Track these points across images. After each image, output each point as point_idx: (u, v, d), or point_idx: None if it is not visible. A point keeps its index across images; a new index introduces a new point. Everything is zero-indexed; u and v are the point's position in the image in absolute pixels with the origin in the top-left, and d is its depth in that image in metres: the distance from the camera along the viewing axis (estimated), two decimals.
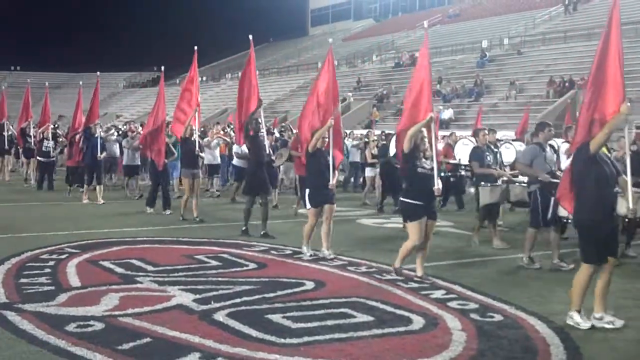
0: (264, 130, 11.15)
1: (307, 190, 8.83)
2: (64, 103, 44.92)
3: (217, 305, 6.18)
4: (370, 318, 5.86)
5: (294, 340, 5.21)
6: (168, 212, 13.01)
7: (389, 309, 6.20)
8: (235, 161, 15.59)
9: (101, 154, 14.58)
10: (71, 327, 5.44)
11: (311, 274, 7.68)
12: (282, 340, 5.21)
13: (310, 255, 8.64)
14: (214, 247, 9.40)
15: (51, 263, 7.97)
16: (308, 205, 8.79)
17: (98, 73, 16.71)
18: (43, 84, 22.43)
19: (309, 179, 8.97)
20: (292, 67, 53.83)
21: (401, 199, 7.68)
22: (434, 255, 8.96)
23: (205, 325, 5.58)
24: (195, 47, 12.92)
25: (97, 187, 14.67)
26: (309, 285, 7.12)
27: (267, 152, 11.13)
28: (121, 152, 16.84)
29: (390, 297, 6.65)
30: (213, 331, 5.43)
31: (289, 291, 6.81)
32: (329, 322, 5.70)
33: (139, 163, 16.31)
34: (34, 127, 19.10)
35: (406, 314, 6.04)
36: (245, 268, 8.03)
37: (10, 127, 20.53)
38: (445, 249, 9.73)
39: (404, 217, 7.70)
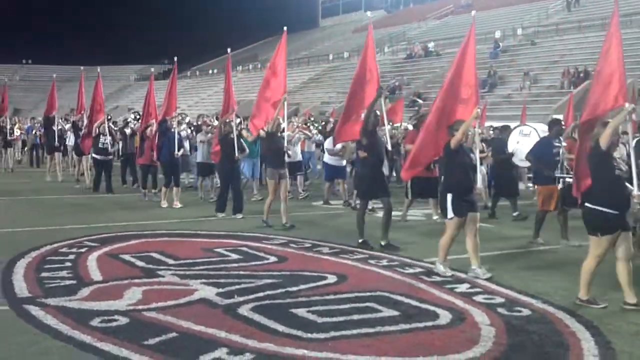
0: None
1: (449, 196, 7.24)
2: (73, 96, 45.02)
3: (241, 299, 6.12)
4: (396, 312, 5.79)
5: (321, 335, 5.15)
6: (239, 216, 11.60)
7: (414, 303, 6.12)
8: (326, 158, 14.08)
9: (179, 150, 13.05)
10: (96, 322, 5.40)
11: (332, 268, 7.62)
12: (309, 335, 5.14)
13: (452, 276, 7.19)
14: (233, 240, 9.35)
15: (71, 257, 7.95)
16: (450, 214, 7.27)
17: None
18: (55, 77, 21.77)
19: (450, 182, 7.38)
20: (302, 59, 53.69)
21: (590, 205, 6.16)
22: (455, 249, 8.90)
23: (230, 320, 5.53)
24: (285, 28, 12.33)
25: (174, 189, 13.04)
26: (331, 279, 7.05)
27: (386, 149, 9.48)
28: (192, 149, 15.62)
29: (414, 291, 6.58)
30: (239, 325, 5.37)
31: (312, 285, 6.75)
32: (355, 317, 5.62)
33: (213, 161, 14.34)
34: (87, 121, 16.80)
35: (432, 308, 5.96)
36: (266, 261, 7.97)
37: (60, 120, 19.06)
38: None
39: (591, 228, 6.15)
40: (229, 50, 13.47)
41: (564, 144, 9.67)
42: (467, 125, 7.23)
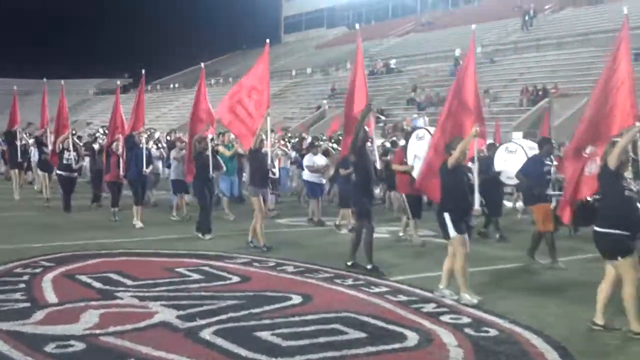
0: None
1: (447, 215, 7.02)
2: (33, 109, 44.04)
3: (203, 322, 5.93)
4: (363, 334, 5.67)
5: None
6: (208, 237, 10.98)
7: (380, 324, 6.02)
8: (306, 176, 13.68)
9: (147, 167, 12.60)
10: (50, 348, 5.16)
11: (297, 287, 7.47)
12: None
13: (478, 302, 6.78)
14: (195, 259, 9.11)
15: (25, 277, 7.63)
16: (453, 233, 6.98)
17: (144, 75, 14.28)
18: (11, 91, 20.63)
19: (447, 201, 7.10)
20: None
21: (601, 230, 5.95)
22: (421, 267, 8.87)
23: (191, 344, 5.34)
24: (268, 40, 11.83)
25: (135, 208, 12.46)
26: (296, 299, 6.90)
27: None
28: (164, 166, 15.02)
29: (380, 312, 6.48)
30: (200, 350, 5.19)
31: (277, 306, 6.59)
32: (321, 339, 5.49)
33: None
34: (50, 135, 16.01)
35: (399, 329, 5.87)
36: (228, 281, 7.78)
37: (24, 135, 17.97)
38: (430, 258, 9.61)
39: (609, 254, 5.96)
40: (202, 64, 13.39)
41: (555, 162, 9.58)
42: (465, 143, 6.98)
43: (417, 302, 6.89)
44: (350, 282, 7.84)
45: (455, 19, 50.41)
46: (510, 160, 11.55)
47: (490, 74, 35.26)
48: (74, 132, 15.70)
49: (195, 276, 7.97)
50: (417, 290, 7.39)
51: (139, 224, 12.21)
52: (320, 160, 13.58)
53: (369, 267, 8.41)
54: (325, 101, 38.08)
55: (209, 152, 11.26)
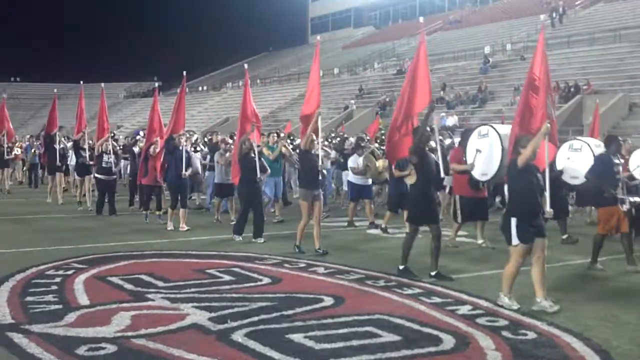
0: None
1: (514, 220, 6.55)
2: (64, 113, 44.72)
3: (235, 324, 5.86)
4: (397, 337, 5.54)
5: None
6: (261, 240, 10.73)
7: (415, 327, 5.88)
8: (351, 177, 13.30)
9: (186, 170, 12.29)
10: (82, 350, 5.13)
11: (328, 289, 7.36)
12: None
13: (519, 309, 6.49)
14: (225, 260, 9.08)
15: (57, 280, 7.66)
16: (515, 241, 6.55)
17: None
18: (42, 95, 20.78)
19: (515, 204, 6.69)
20: (293, 75, 53.65)
21: None
22: (454, 268, 8.69)
23: (223, 347, 5.27)
24: (319, 37, 11.36)
25: (181, 211, 12.23)
26: (328, 301, 6.79)
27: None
28: (206, 168, 14.97)
29: (414, 314, 6.34)
30: (233, 353, 5.12)
31: (308, 308, 6.49)
32: (354, 342, 5.38)
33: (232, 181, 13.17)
34: (89, 140, 16.16)
35: (434, 332, 5.72)
36: (259, 283, 7.71)
37: (63, 139, 17.89)
38: (462, 259, 9.44)
39: None
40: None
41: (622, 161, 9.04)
42: (536, 141, 6.57)
43: (452, 304, 6.72)
44: (382, 283, 7.71)
45: (483, 17, 49.93)
46: (575, 158, 10.69)
47: (519, 71, 34.75)
48: (112, 134, 15.71)
49: (226, 277, 7.92)
50: (451, 292, 7.22)
51: (170, 225, 12.12)
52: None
53: (432, 273, 7.97)
54: (352, 101, 37.92)
55: (255, 154, 11.03)
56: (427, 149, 8.37)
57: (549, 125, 6.71)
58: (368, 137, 16.48)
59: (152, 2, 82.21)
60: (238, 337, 5.50)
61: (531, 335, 5.71)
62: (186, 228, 12.01)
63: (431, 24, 53.38)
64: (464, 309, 6.53)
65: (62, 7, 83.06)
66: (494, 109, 30.28)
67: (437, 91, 35.52)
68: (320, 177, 9.96)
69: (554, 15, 40.10)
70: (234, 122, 41.18)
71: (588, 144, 10.78)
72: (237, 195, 12.24)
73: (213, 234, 11.77)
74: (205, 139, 20.05)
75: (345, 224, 13.09)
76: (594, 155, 9.97)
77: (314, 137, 9.86)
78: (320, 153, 10.46)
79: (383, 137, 17.62)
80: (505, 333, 5.74)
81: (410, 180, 8.31)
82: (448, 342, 5.47)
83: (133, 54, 78.38)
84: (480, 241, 10.59)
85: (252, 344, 5.31)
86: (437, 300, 6.90)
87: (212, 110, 51.08)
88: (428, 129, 8.29)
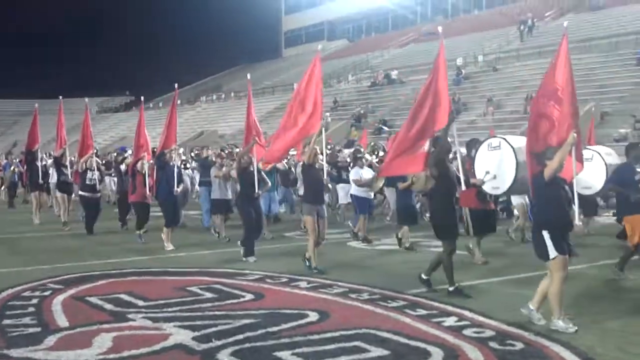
0: None
1: (546, 234, 6.27)
2: (26, 130, 44.04)
3: (219, 342, 5.75)
4: (386, 352, 5.48)
5: None
6: (252, 259, 10.28)
7: (402, 340, 5.83)
8: (354, 190, 12.88)
9: (178, 186, 11.98)
10: None
11: (312, 304, 7.28)
12: None
13: (576, 332, 6.06)
14: (206, 277, 8.94)
15: (34, 301, 7.46)
16: (553, 253, 6.21)
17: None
18: (9, 111, 19.97)
19: (545, 218, 6.39)
20: (267, 88, 53.63)
21: None
22: (436, 279, 8.66)
23: None
24: (320, 47, 11.43)
25: (165, 230, 11.75)
26: (313, 316, 6.71)
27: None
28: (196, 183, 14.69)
29: (401, 327, 6.28)
30: None
31: (294, 324, 6.40)
32: (343, 358, 5.31)
33: (230, 197, 13.04)
34: (70, 157, 15.86)
35: (422, 345, 5.67)
36: (242, 299, 7.60)
37: (44, 155, 17.36)
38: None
39: None
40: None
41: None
42: (564, 152, 6.28)
43: (437, 316, 6.69)
44: (366, 296, 7.65)
45: (455, 29, 50.44)
46: (586, 167, 10.90)
47: (492, 82, 35.22)
48: (96, 151, 15.31)
49: (208, 295, 7.80)
50: (436, 304, 7.19)
51: (169, 246, 11.62)
52: (367, 173, 12.86)
53: (450, 289, 7.72)
54: (327, 114, 37.93)
55: (254, 168, 10.74)
56: (448, 160, 8.12)
57: (575, 135, 6.43)
58: (362, 149, 16.39)
59: (124, 15, 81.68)
60: (224, 356, 5.40)
61: (519, 345, 5.69)
62: (171, 247, 11.61)
63: (404, 36, 53.96)
64: (450, 321, 6.50)
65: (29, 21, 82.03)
66: (467, 120, 30.56)
67: (410, 103, 35.77)
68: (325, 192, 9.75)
69: (521, 27, 40.70)
70: (209, 135, 41.25)
71: (599, 153, 10.66)
72: (237, 212, 11.63)
73: (200, 250, 11.62)
74: (192, 154, 19.70)
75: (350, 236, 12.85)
76: (605, 163, 10.03)
77: (318, 150, 9.62)
78: (326, 167, 10.15)
79: (374, 149, 17.69)
80: (492, 344, 5.72)
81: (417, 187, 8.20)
82: (436, 355, 5.42)
83: (103, 68, 77.71)
84: (478, 255, 10.10)
85: None
86: (423, 312, 6.87)
87: (187, 124, 50.75)
88: (449, 139, 8.11)
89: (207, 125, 46.30)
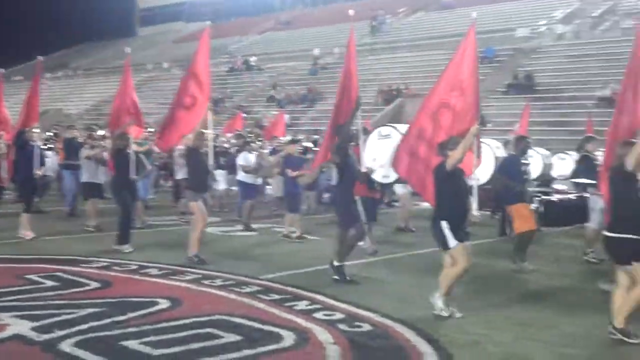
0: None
1: (444, 224, 6.37)
2: None
3: (62, 333, 5.41)
4: (238, 337, 5.45)
5: None
6: (127, 248, 9.56)
7: (255, 325, 5.83)
8: (241, 176, 12.52)
9: (39, 168, 10.81)
10: None
11: (164, 291, 7.09)
12: None
13: (450, 316, 6.31)
14: (47, 264, 8.39)
15: None
16: (453, 242, 6.32)
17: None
18: None
19: (444, 208, 6.47)
20: (119, 67, 51.25)
21: (616, 235, 5.70)
22: (290, 264, 8.79)
23: (50, 359, 4.85)
24: (208, 23, 11.13)
25: (24, 215, 10.61)
26: (164, 304, 6.52)
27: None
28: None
29: (254, 312, 6.29)
30: None
31: (143, 312, 6.18)
32: (194, 346, 5.21)
33: (101, 181, 12.12)
34: None
35: (275, 329, 5.71)
36: (86, 288, 7.22)
37: None
38: (303, 255, 9.58)
39: (624, 258, 5.68)
40: (128, 49, 12.30)
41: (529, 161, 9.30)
42: (466, 143, 6.30)
43: (290, 300, 6.77)
44: (219, 282, 7.58)
45: (312, 20, 51.23)
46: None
47: None
48: None
49: (49, 283, 7.33)
50: (289, 288, 7.29)
51: (29, 234, 10.47)
52: (254, 159, 12.53)
53: (335, 263, 7.87)
54: None
55: (131, 151, 10.04)
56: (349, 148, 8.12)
57: (477, 127, 6.50)
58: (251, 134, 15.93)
59: None
60: (66, 347, 5.09)
61: (366, 327, 5.90)
62: (31, 235, 10.46)
63: (263, 23, 53.89)
64: (302, 305, 6.61)
65: None
66: (323, 109, 31.20)
67: (268, 90, 35.92)
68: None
69: (373, 23, 42.09)
70: (54, 114, 38.72)
71: (489, 146, 10.92)
72: (112, 197, 10.64)
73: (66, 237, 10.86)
74: (48, 134, 18.12)
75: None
76: (495, 157, 10.53)
77: (203, 132, 9.09)
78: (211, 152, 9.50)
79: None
80: (341, 326, 5.88)
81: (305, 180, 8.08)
82: (288, 338, 5.49)
83: None
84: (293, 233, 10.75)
85: (82, 354, 4.95)
86: (276, 297, 6.92)
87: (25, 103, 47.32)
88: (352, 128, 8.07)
89: (52, 103, 43.39)
